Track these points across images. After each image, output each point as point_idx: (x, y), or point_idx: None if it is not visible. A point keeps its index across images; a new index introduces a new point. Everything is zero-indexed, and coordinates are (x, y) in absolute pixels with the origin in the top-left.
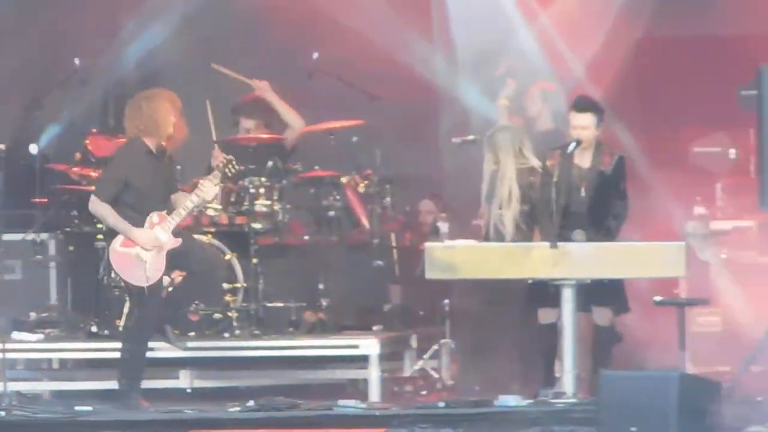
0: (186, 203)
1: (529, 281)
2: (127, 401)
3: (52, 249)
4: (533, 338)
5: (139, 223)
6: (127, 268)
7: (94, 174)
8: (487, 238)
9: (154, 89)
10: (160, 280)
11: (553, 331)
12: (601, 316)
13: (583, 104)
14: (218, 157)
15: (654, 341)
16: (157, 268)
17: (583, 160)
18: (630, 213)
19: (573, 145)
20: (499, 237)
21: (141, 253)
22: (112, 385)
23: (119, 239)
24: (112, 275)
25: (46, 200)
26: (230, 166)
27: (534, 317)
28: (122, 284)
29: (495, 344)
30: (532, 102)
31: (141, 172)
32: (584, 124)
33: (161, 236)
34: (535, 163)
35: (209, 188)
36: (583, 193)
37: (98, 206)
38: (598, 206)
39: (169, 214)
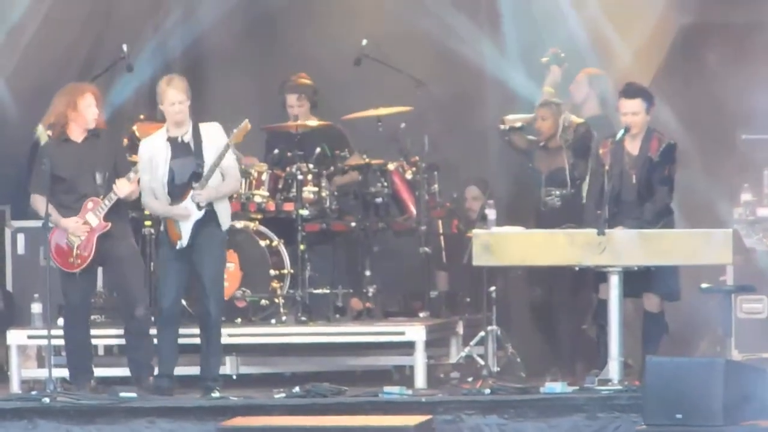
0: (110, 195)
1: (576, 268)
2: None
3: None
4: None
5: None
6: (62, 255)
7: None
8: None
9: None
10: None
11: None
12: (651, 302)
13: (632, 90)
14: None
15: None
16: (86, 252)
17: (634, 147)
18: (677, 200)
19: (622, 132)
20: None
21: (71, 239)
22: None
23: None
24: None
25: None
26: None
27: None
28: None
29: (543, 329)
30: (578, 88)
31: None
32: (634, 110)
33: (91, 221)
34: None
35: (122, 186)
36: (633, 180)
37: (32, 200)
38: (647, 193)
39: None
